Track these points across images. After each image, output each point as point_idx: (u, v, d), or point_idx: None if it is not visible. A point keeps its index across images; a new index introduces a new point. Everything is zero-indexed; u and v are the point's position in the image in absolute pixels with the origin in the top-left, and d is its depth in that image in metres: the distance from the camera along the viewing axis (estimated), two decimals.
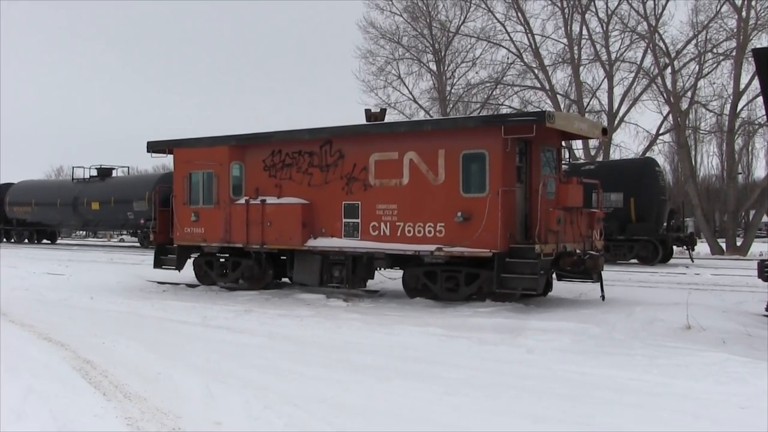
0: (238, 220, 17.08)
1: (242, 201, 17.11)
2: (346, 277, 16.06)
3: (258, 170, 17.20)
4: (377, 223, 15.39)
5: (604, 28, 41.75)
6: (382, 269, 16.33)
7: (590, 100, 43.64)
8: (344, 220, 15.85)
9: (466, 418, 6.72)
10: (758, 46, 34.68)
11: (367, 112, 16.90)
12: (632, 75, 41.74)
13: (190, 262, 19.07)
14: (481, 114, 39.40)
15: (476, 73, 46.45)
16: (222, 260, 18.44)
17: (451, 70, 47.59)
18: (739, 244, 38.85)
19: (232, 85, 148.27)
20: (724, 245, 38.88)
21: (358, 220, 15.66)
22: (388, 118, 17.89)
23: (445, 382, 8.11)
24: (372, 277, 16.60)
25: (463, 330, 11.57)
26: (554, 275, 15.42)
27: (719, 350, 9.93)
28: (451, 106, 46.33)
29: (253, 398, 7.36)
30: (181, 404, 7.19)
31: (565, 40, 42.71)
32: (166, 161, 42.52)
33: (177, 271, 19.00)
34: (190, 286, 18.63)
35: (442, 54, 47.05)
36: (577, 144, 40.14)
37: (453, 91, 47.19)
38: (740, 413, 6.99)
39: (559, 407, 7.09)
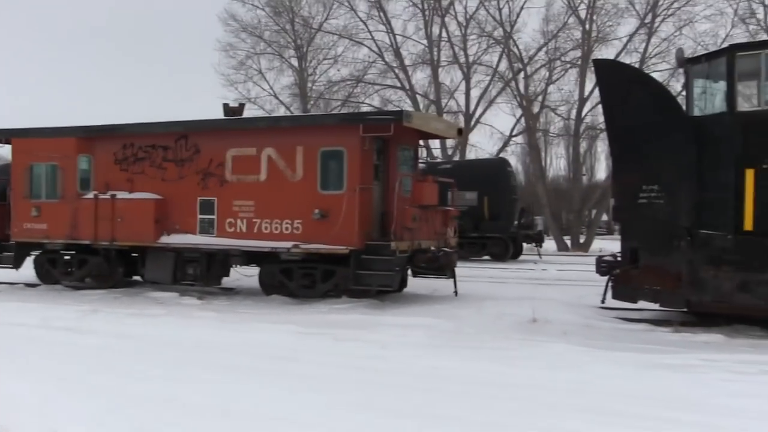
0: (86, 215, 16.29)
1: (90, 195, 16.34)
2: (200, 274, 15.69)
3: (108, 164, 16.48)
4: (234, 219, 15.13)
5: (463, 32, 42.99)
6: (238, 266, 16.07)
7: (448, 101, 44.84)
8: (200, 217, 15.47)
9: (324, 415, 6.70)
10: (600, 57, 36.87)
11: (226, 106, 16.62)
12: (488, 78, 43.23)
13: (30, 260, 18.01)
14: (341, 112, 39.56)
15: (338, 70, 46.69)
16: (67, 258, 17.52)
17: (313, 66, 47.58)
18: (582, 241, 41.06)
19: (75, 75, 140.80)
20: (569, 242, 40.95)
21: (214, 217, 15.33)
22: (247, 114, 17.63)
23: (302, 379, 8.07)
24: (228, 275, 16.31)
25: (320, 327, 11.57)
26: (409, 272, 15.70)
27: (561, 341, 10.47)
28: (312, 102, 46.27)
29: (97, 402, 7.03)
30: (12, 414, 6.69)
31: (425, 42, 43.63)
32: (4, 152, 40.01)
33: (15, 269, 17.90)
34: (30, 285, 17.59)
35: (304, 50, 46.92)
36: (435, 143, 41.14)
37: (314, 87, 47.17)
38: (576, 397, 7.40)
39: (414, 401, 7.21)
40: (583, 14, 39.86)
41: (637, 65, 34.09)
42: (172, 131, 15.86)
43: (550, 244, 38.12)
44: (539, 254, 29.64)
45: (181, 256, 15.78)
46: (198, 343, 10.32)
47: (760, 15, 37.49)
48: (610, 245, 34.97)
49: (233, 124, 15.65)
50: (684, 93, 13.10)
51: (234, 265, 16.00)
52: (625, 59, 36.10)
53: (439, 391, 7.67)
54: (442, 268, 15.02)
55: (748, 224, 11.14)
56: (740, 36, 36.20)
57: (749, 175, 11.13)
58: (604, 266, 13.19)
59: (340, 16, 45.50)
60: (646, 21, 38.91)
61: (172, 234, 15.69)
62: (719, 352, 9.80)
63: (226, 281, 16.56)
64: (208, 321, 12.30)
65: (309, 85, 47.10)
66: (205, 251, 15.48)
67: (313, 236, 14.27)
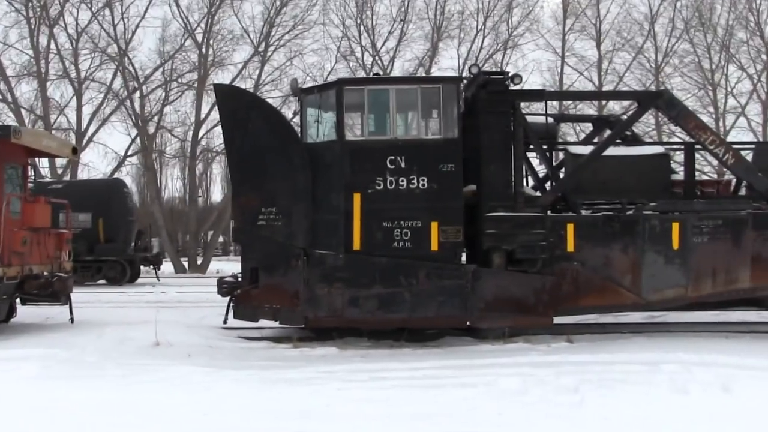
0: None
1: None
2: None
3: None
4: None
5: (74, 45, 40.63)
6: None
7: (58, 117, 41.96)
8: None
9: None
10: (217, 81, 37.63)
11: None
12: (102, 95, 41.37)
13: None
14: None
15: None
16: None
17: None
18: (199, 262, 41.22)
19: None
20: (186, 264, 40.83)
21: None
22: None
23: None
24: None
25: None
26: (18, 300, 14.38)
27: (185, 363, 10.43)
28: None
29: None
30: None
31: (31, 52, 40.33)
32: None
33: None
34: None
35: None
36: (44, 161, 38.14)
37: None
38: (204, 419, 7.48)
39: None
40: (199, 38, 40.34)
41: (251, 91, 35.41)
42: None
43: (167, 266, 37.64)
44: (157, 277, 29.18)
45: None
46: None
47: (359, 54, 41.50)
48: (227, 266, 35.68)
49: None
50: (298, 120, 13.93)
51: None
52: (241, 84, 37.27)
53: (58, 425, 7.18)
54: (57, 294, 14.01)
55: (357, 244, 12.24)
56: (343, 71, 39.75)
57: (356, 198, 12.24)
58: (225, 287, 13.41)
59: None
60: (260, 49, 40.65)
61: None
62: (335, 364, 10.56)
63: None
64: None
65: None
66: None
67: None
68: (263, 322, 13.18)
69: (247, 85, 39.06)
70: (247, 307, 12.90)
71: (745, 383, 8.80)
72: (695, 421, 7.36)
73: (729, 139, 34.04)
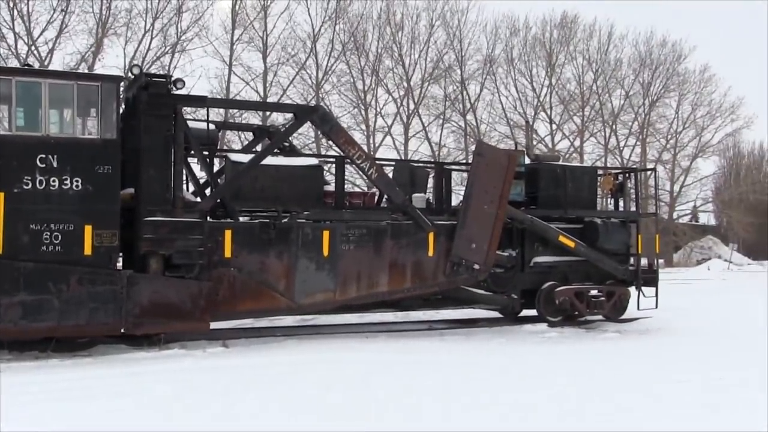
0: None
1: None
2: None
3: None
4: None
5: None
6: None
7: None
8: None
9: None
10: None
11: None
12: None
13: None
14: None
15: None
16: None
17: None
18: None
19: None
20: None
21: None
22: None
23: None
24: None
25: None
26: None
27: None
28: None
29: None
30: None
31: None
32: None
33: None
34: None
35: None
36: None
37: None
38: None
39: None
40: None
41: None
42: None
43: None
44: None
45: None
46: None
47: (11, 41, 37.74)
48: None
49: None
50: None
51: None
52: None
53: None
54: None
55: None
56: None
57: (0, 198, 11.27)
58: None
59: None
60: None
61: None
62: None
63: None
64: None
65: None
66: None
67: None
68: None
69: None
70: None
71: (381, 376, 9.79)
72: (339, 411, 8.01)
73: (378, 155, 37.34)
